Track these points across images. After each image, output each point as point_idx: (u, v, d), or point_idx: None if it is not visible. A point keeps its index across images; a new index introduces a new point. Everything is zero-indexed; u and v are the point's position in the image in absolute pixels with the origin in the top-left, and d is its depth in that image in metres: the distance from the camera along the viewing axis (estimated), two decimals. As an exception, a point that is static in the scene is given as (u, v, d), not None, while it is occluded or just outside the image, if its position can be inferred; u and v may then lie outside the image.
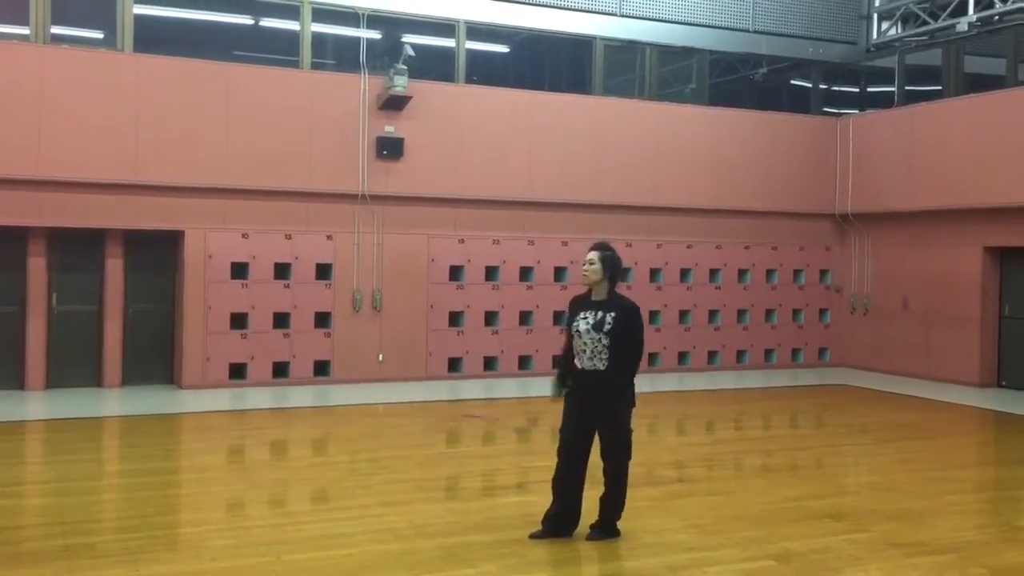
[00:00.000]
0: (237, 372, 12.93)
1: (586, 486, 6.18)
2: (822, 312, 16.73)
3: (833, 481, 8.44)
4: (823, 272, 16.73)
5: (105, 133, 12.12)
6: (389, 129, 13.50)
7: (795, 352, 16.48)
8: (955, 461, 9.27)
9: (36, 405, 11.54)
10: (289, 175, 13.05)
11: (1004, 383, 14.23)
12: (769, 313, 16.27)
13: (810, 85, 17.42)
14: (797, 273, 16.51)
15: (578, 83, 15.86)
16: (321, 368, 13.41)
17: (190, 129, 12.52)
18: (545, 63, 16.74)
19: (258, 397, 12.29)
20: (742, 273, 16.06)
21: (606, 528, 6.18)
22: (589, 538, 6.13)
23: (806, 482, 8.20)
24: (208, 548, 5.91)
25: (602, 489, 6.16)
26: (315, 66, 13.76)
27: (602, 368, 5.96)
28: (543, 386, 12.93)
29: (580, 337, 6.02)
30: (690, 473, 8.50)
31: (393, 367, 13.68)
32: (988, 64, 15.80)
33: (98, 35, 13.27)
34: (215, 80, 12.73)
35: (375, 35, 14.29)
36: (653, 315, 15.19)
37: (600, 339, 5.94)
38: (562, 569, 5.79)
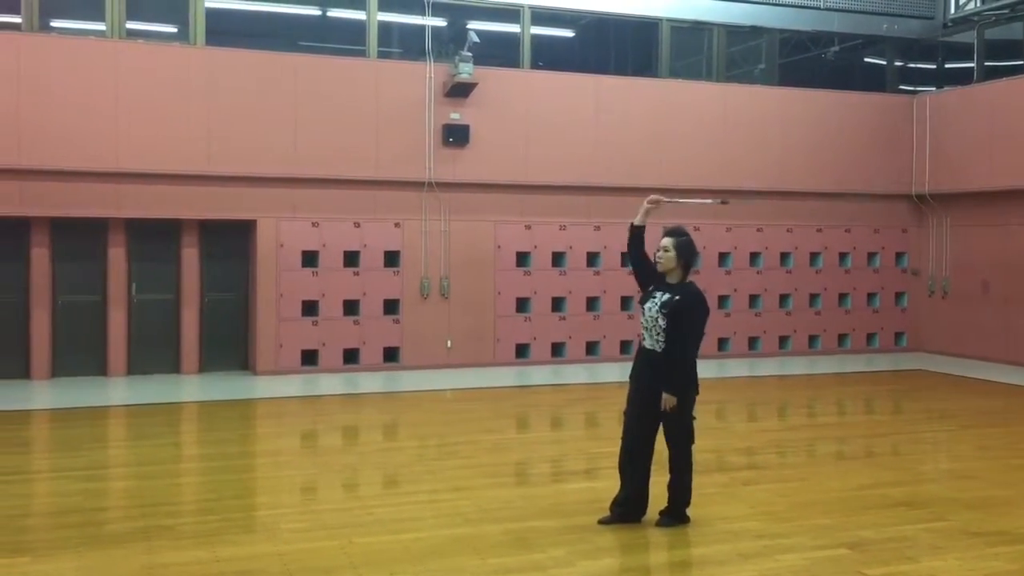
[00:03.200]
0: (309, 358, 13.16)
1: (654, 471, 6.15)
2: (898, 296, 16.32)
3: (910, 468, 8.23)
4: (899, 255, 16.30)
5: (179, 125, 12.40)
6: (455, 116, 13.54)
7: (870, 337, 16.11)
8: (1039, 448, 8.97)
9: (118, 391, 11.91)
10: (357, 164, 13.18)
11: (1091, 368, 13.74)
12: (843, 297, 15.93)
13: (884, 62, 16.93)
14: (872, 256, 16.11)
15: (644, 66, 15.68)
16: (390, 354, 13.55)
17: (260, 120, 12.74)
18: (611, 46, 16.57)
19: (329, 383, 12.49)
20: (814, 256, 15.74)
21: (675, 514, 6.14)
22: (658, 524, 6.10)
23: (882, 469, 8.02)
24: (282, 531, 6.04)
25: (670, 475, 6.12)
26: (381, 55, 13.86)
27: (659, 351, 5.97)
28: (611, 371, 12.89)
29: (644, 315, 6.08)
30: (761, 460, 8.38)
31: (461, 353, 13.77)
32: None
33: (172, 29, 13.56)
34: (284, 71, 12.92)
35: (440, 22, 14.32)
36: (722, 300, 15.00)
37: (658, 320, 5.96)
38: (631, 555, 5.76)
